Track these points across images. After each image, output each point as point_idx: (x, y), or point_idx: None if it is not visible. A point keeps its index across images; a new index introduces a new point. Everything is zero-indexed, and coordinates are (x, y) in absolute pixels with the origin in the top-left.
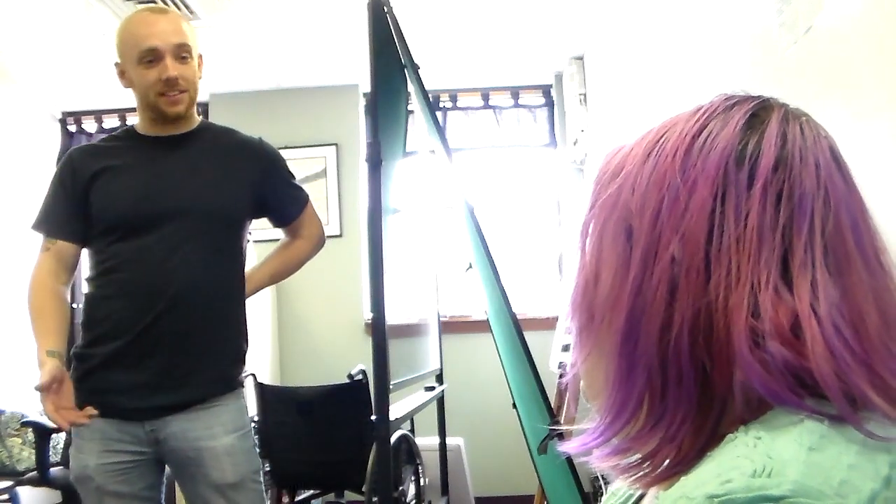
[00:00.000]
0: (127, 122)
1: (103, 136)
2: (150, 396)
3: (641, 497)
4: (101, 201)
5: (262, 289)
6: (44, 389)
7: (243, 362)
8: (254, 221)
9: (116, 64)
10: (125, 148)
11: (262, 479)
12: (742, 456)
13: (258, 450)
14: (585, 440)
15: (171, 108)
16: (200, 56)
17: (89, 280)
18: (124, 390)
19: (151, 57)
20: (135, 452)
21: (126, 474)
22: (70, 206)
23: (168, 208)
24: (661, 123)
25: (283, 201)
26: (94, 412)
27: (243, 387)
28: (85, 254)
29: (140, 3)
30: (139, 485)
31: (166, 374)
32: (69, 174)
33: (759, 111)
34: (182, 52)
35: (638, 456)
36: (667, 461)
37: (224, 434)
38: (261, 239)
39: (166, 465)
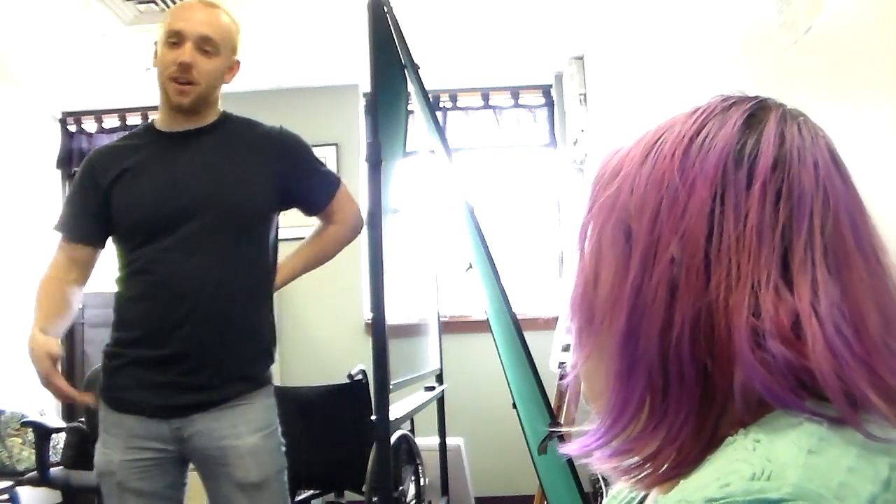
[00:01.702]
0: (127, 123)
1: (103, 134)
2: (177, 395)
3: (643, 500)
4: (122, 204)
5: (295, 277)
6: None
7: (271, 359)
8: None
9: (155, 43)
10: (144, 146)
11: (286, 478)
12: (741, 459)
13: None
14: (586, 442)
15: (176, 97)
16: (238, 62)
17: (117, 281)
18: (151, 388)
19: (175, 39)
20: (158, 450)
21: (148, 472)
22: (86, 210)
23: (189, 207)
24: (658, 125)
25: (311, 189)
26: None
27: (272, 384)
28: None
29: (140, 2)
30: (161, 483)
31: (193, 374)
32: (89, 176)
33: (757, 111)
34: (206, 46)
35: (638, 458)
36: (667, 463)
37: (249, 433)
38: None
39: (189, 464)
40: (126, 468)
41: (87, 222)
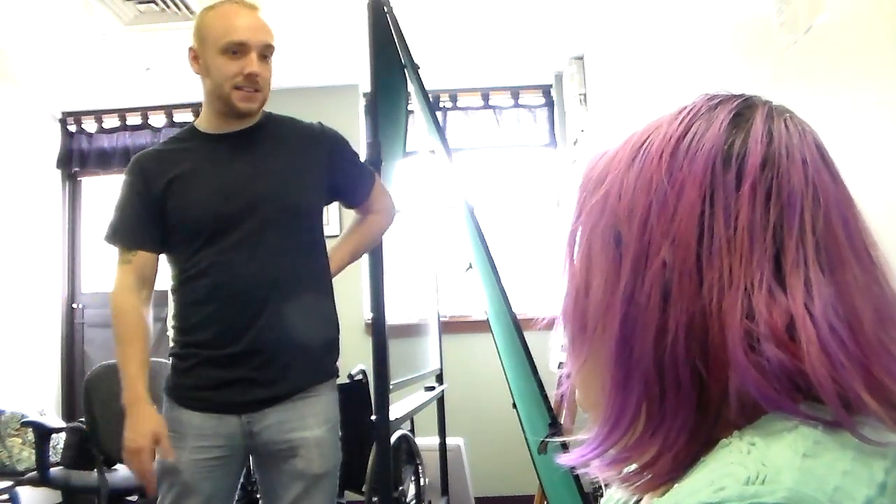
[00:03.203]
0: (127, 123)
1: (103, 134)
2: (248, 391)
3: (637, 502)
4: (179, 210)
5: (344, 268)
6: (144, 452)
7: (337, 350)
8: None
9: (190, 49)
10: (192, 150)
11: (339, 473)
12: (735, 463)
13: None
14: (584, 452)
15: (243, 104)
16: None
17: (175, 289)
18: (223, 386)
19: (237, 49)
20: (226, 447)
21: (214, 472)
22: (146, 215)
23: (246, 207)
24: (643, 126)
25: (354, 183)
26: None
27: (338, 375)
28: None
29: (140, 2)
30: (222, 484)
31: (263, 369)
32: (142, 183)
33: (743, 110)
34: (266, 52)
35: (636, 465)
36: (665, 468)
37: (317, 425)
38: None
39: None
40: (193, 467)
41: (145, 228)
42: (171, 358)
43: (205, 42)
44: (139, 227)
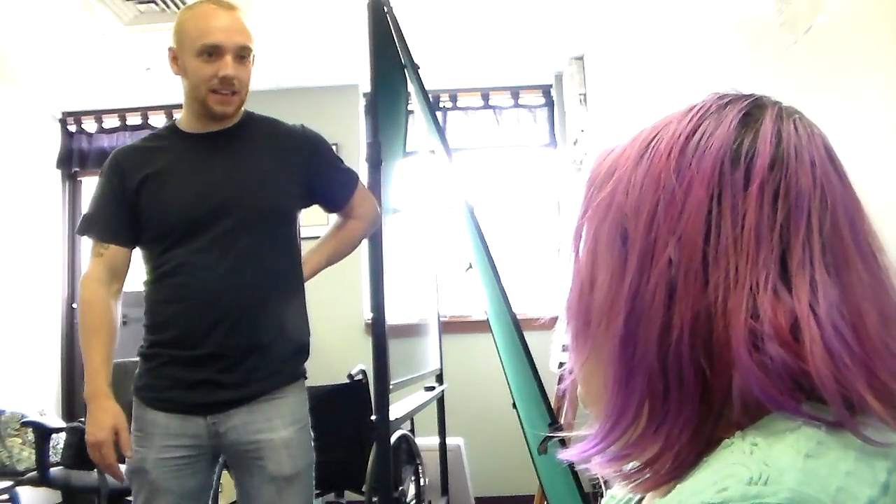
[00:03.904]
0: (127, 123)
1: (103, 134)
2: (213, 392)
3: (639, 502)
4: (152, 208)
5: (319, 272)
6: (105, 445)
7: (306, 354)
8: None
9: (170, 49)
10: (170, 148)
11: (314, 473)
12: (738, 463)
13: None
14: (585, 447)
15: (219, 107)
16: (253, 55)
17: (146, 284)
18: (188, 387)
19: (212, 52)
20: (192, 447)
21: (181, 471)
22: (120, 210)
23: (219, 209)
24: (653, 123)
25: (333, 187)
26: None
27: (306, 378)
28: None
29: (140, 2)
30: (191, 482)
31: (227, 372)
32: (117, 177)
33: (753, 110)
34: (242, 53)
35: (637, 463)
36: (666, 466)
37: (283, 427)
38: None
39: (217, 464)
40: (160, 467)
41: (123, 223)
42: (139, 359)
43: (182, 44)
44: (112, 222)
